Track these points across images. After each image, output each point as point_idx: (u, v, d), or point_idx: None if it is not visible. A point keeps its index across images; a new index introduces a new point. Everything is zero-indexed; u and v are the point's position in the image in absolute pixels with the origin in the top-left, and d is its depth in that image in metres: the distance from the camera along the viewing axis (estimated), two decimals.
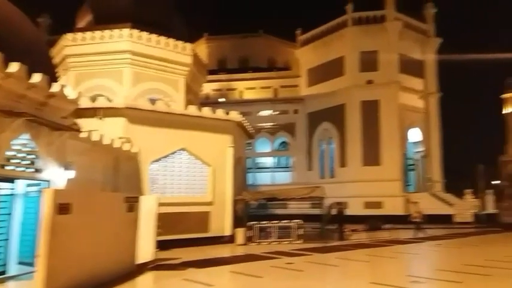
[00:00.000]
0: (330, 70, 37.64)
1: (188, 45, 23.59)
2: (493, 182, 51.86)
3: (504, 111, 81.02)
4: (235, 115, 20.12)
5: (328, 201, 21.07)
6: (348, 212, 25.70)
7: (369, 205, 32.50)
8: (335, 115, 36.60)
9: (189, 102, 22.23)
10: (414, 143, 37.92)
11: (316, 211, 20.13)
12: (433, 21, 39.69)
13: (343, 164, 35.96)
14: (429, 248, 18.02)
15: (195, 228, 17.50)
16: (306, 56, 40.69)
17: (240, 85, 42.91)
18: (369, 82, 35.49)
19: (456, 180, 41.18)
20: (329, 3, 59.03)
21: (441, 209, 31.08)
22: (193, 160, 18.44)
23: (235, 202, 19.35)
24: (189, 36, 25.17)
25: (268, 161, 42.86)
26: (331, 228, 20.23)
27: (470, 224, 28.77)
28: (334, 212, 21.16)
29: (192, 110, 18.60)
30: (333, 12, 38.07)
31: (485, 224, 29.02)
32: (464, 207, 31.02)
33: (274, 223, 18.86)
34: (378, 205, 32.29)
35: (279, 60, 46.93)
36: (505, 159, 75.84)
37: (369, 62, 35.54)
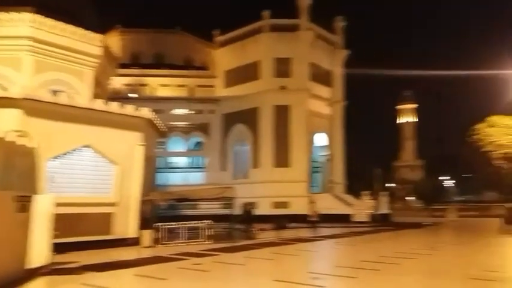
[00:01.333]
0: (246, 73, 38.34)
1: (98, 36, 22.34)
2: (387, 185, 57.29)
3: (398, 121, 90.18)
4: (145, 112, 19.43)
5: (239, 202, 21.41)
6: (258, 211, 26.37)
7: (276, 205, 33.76)
8: (249, 117, 37.36)
9: (96, 96, 21.03)
10: (320, 147, 40.27)
11: (227, 211, 20.32)
12: (342, 34, 42.60)
13: (255, 165, 36.82)
14: (329, 246, 19.29)
15: (96, 230, 16.55)
16: (223, 57, 40.93)
17: (153, 81, 41.60)
18: (282, 88, 36.83)
19: (356, 183, 44.75)
20: (247, 6, 60.20)
21: (341, 209, 33.52)
22: (99, 158, 17.44)
23: (143, 203, 18.70)
24: (101, 26, 23.83)
25: (182, 160, 42.21)
26: (240, 227, 20.57)
27: (366, 223, 31.23)
28: (243, 211, 21.58)
29: (99, 104, 17.58)
30: (251, 15, 38.87)
31: (379, 223, 31.64)
32: (362, 208, 33.71)
33: (184, 224, 18.59)
34: (284, 205, 33.71)
35: (196, 59, 46.42)
36: (398, 164, 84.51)
37: (282, 69, 36.91)
